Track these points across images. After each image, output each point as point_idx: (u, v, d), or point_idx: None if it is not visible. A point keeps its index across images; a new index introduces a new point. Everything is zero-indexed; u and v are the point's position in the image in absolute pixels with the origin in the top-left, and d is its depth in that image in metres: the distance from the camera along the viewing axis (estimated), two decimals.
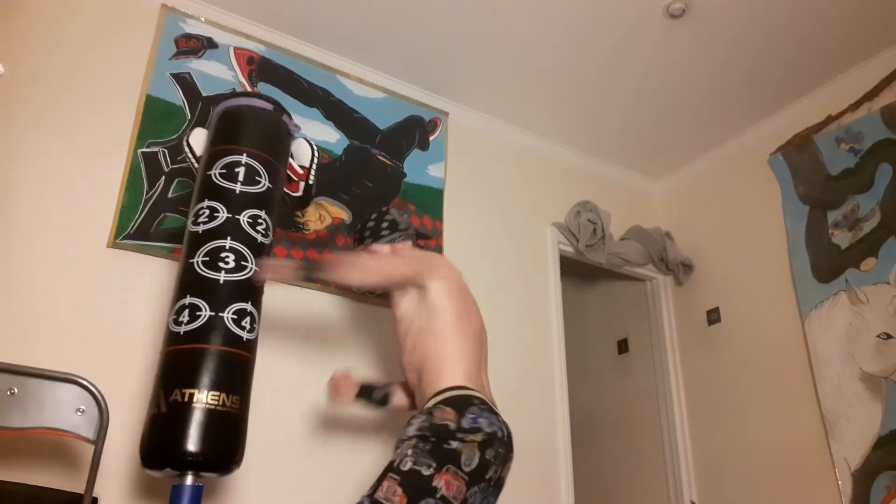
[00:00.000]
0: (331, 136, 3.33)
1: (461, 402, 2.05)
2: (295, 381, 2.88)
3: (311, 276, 2.33)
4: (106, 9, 2.96)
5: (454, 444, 1.95)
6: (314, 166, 2.73)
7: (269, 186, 2.36)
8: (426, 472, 1.90)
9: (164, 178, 2.85)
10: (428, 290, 2.26)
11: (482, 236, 3.68)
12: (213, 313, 2.07)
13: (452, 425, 1.97)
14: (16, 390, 1.80)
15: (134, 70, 2.93)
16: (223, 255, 2.16)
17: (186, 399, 1.94)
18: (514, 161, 4.00)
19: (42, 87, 2.72)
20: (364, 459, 2.90)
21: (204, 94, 3.05)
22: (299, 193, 2.76)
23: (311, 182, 2.73)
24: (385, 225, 2.53)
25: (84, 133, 2.74)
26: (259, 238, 2.27)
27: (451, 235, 3.53)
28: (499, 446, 2.03)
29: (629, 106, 3.84)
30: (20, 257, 2.49)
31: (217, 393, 1.98)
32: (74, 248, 2.60)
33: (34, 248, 2.53)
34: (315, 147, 2.76)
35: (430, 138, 3.68)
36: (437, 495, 1.88)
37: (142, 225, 2.74)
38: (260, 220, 2.29)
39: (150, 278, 2.69)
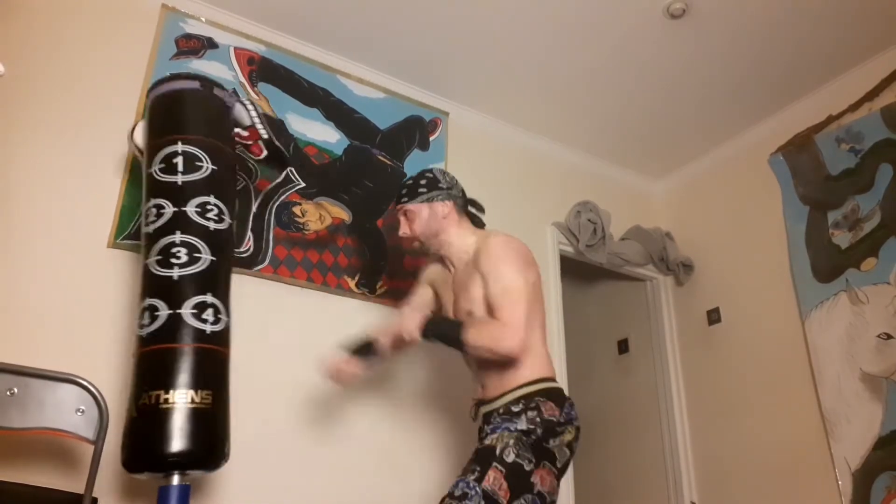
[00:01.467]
0: (331, 136, 3.33)
1: (558, 396, 2.14)
2: (301, 381, 2.88)
3: (438, 340, 2.20)
4: (106, 9, 2.96)
5: (552, 443, 2.02)
6: (257, 121, 2.55)
7: (213, 169, 2.24)
8: (527, 466, 1.94)
9: None
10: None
11: None
12: (170, 311, 2.02)
13: (555, 420, 2.05)
14: (16, 390, 1.80)
15: (134, 70, 2.93)
16: (174, 250, 2.09)
17: (153, 401, 1.90)
18: (514, 161, 4.00)
19: (42, 87, 2.72)
20: (355, 454, 2.91)
21: None
22: (263, 154, 2.61)
23: (265, 137, 2.56)
24: (424, 182, 2.40)
25: (84, 133, 2.74)
26: (212, 225, 2.18)
27: None
28: (579, 438, 2.15)
29: (629, 106, 3.84)
30: (20, 257, 2.49)
31: (185, 391, 1.93)
32: (74, 249, 2.59)
33: (34, 249, 2.52)
34: (250, 103, 2.56)
35: (431, 138, 3.68)
36: (535, 490, 1.93)
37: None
38: (210, 207, 2.20)
39: None
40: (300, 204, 3.14)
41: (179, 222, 2.13)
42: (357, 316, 3.11)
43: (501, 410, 2.09)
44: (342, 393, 2.93)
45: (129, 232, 2.70)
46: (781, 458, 3.44)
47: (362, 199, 3.32)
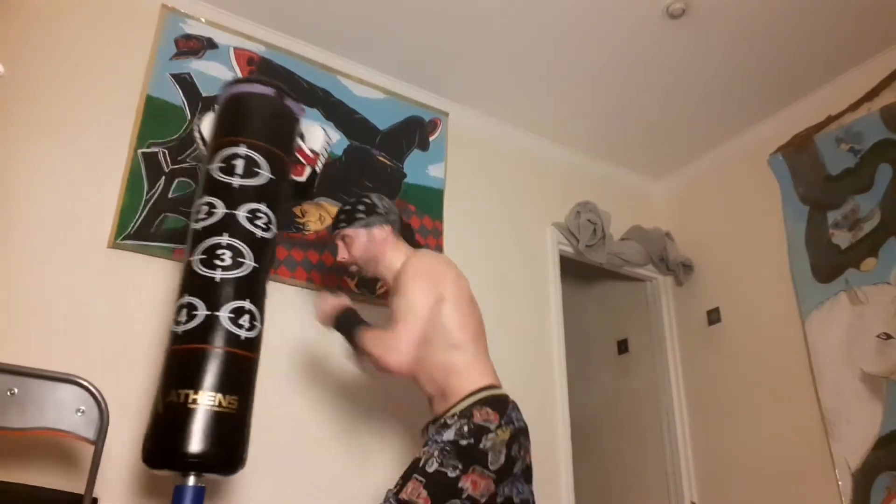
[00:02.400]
0: (331, 137, 3.32)
1: (499, 402, 2.14)
2: (301, 381, 2.89)
3: (342, 331, 2.30)
4: (106, 9, 2.96)
5: (484, 444, 2.01)
6: (325, 153, 2.63)
7: (270, 178, 2.27)
8: (452, 473, 1.95)
9: (164, 178, 2.85)
10: (440, 310, 2.23)
11: (482, 236, 3.68)
12: (209, 312, 2.03)
13: (490, 424, 2.05)
14: (16, 391, 1.80)
15: (134, 70, 2.93)
16: (219, 252, 2.11)
17: (182, 399, 1.92)
18: (514, 161, 4.00)
19: (42, 87, 2.72)
20: (370, 463, 2.91)
21: (204, 94, 3.05)
22: (303, 179, 2.62)
23: (317, 169, 2.61)
24: (362, 208, 2.45)
25: (84, 133, 2.74)
26: (259, 233, 2.20)
27: (451, 236, 3.53)
28: (523, 439, 2.14)
29: (629, 106, 3.84)
30: (20, 257, 2.49)
31: (213, 394, 1.94)
32: (74, 249, 2.60)
33: (34, 249, 2.53)
34: (328, 135, 2.67)
35: (430, 138, 3.68)
36: (464, 496, 1.94)
37: (142, 225, 2.74)
38: (260, 214, 2.22)
39: (151, 279, 2.69)
40: (300, 204, 3.14)
41: (228, 225, 2.16)
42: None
43: (438, 424, 2.13)
44: (345, 393, 2.94)
45: (130, 232, 2.70)
46: (781, 458, 3.44)
47: None
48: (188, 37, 3.10)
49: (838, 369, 3.26)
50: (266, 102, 2.41)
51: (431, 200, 3.54)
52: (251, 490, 2.60)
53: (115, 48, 2.92)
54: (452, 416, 2.10)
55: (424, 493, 1.91)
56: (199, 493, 1.95)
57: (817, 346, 3.37)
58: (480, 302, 3.35)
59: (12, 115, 2.62)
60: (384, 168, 3.46)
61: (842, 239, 3.39)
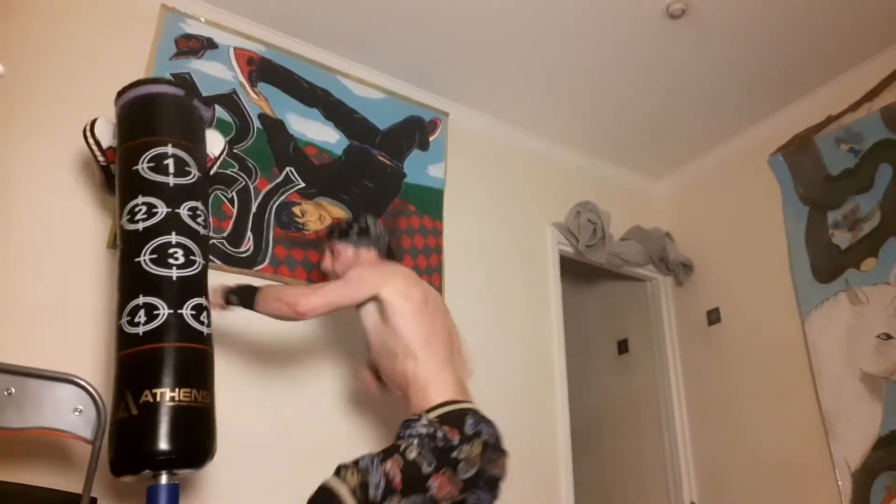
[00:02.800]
0: (331, 137, 3.33)
1: (457, 417, 2.13)
2: (305, 387, 2.90)
3: (238, 303, 2.36)
4: (106, 9, 2.96)
5: (455, 455, 2.03)
6: (221, 159, 2.62)
7: (198, 175, 2.27)
8: (426, 469, 1.98)
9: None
10: (390, 314, 2.29)
11: (482, 236, 3.68)
12: (171, 311, 2.02)
13: (455, 442, 2.05)
14: (13, 390, 1.80)
15: (134, 70, 2.92)
16: (171, 251, 2.09)
17: (158, 399, 1.89)
18: (514, 161, 4.00)
19: (42, 87, 2.72)
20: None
21: (204, 94, 3.05)
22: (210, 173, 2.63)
23: (211, 172, 2.60)
24: (356, 229, 2.57)
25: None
26: (200, 230, 2.20)
27: (450, 236, 3.53)
28: (491, 453, 2.13)
29: (629, 106, 3.84)
30: (20, 257, 2.49)
31: (188, 389, 1.94)
32: (74, 249, 2.60)
33: (34, 249, 2.53)
34: (224, 140, 2.67)
35: (430, 138, 3.68)
36: (428, 494, 1.98)
37: None
38: (199, 212, 2.21)
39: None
40: (300, 204, 3.14)
41: (173, 223, 2.13)
42: (357, 317, 3.11)
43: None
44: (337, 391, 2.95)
45: None
46: (781, 459, 3.44)
47: (362, 200, 3.32)
48: (188, 37, 3.10)
49: (838, 369, 3.26)
50: (180, 103, 2.40)
51: (431, 200, 3.54)
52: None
53: (115, 48, 2.92)
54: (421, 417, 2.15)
55: (399, 476, 1.96)
56: (174, 490, 1.94)
57: (817, 347, 3.37)
58: (481, 301, 3.38)
59: (12, 115, 2.62)
60: (384, 168, 3.46)
61: (842, 239, 3.39)
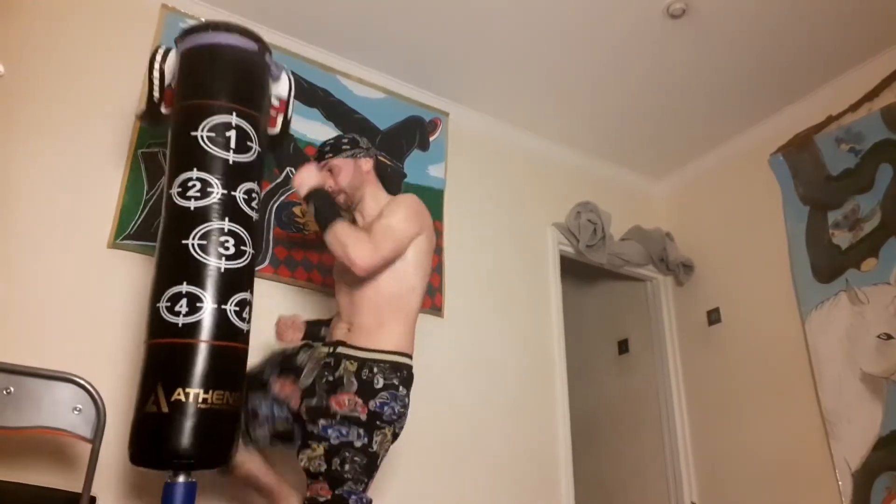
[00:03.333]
0: (331, 136, 3.32)
1: (407, 375, 2.21)
2: None
3: (314, 214, 2.26)
4: (106, 9, 2.96)
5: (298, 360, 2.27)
6: (292, 97, 2.40)
7: (258, 151, 2.10)
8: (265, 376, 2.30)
9: (164, 178, 2.84)
10: (416, 253, 2.29)
11: (482, 237, 3.68)
12: (215, 306, 1.89)
13: (402, 398, 2.17)
14: (12, 389, 1.80)
15: (134, 70, 2.93)
16: (223, 239, 1.94)
17: (192, 399, 1.81)
18: (514, 161, 4.00)
19: (42, 87, 2.72)
20: None
21: None
22: (276, 130, 2.41)
23: (288, 117, 2.42)
24: (346, 141, 2.49)
25: (84, 133, 2.75)
26: (253, 216, 2.04)
27: (451, 236, 3.53)
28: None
29: (630, 106, 3.84)
30: (20, 257, 2.50)
31: (222, 392, 1.85)
32: (74, 249, 2.60)
33: (34, 249, 2.53)
34: (290, 75, 2.43)
35: (431, 138, 3.68)
36: (271, 394, 2.26)
37: (142, 225, 2.74)
38: (254, 195, 2.05)
39: (150, 279, 2.67)
40: (300, 204, 3.14)
41: (228, 208, 1.98)
42: None
43: (376, 369, 2.14)
44: None
45: (129, 232, 2.71)
46: (781, 459, 3.43)
47: None
48: None
49: (838, 369, 3.26)
50: (251, 60, 2.18)
51: (431, 200, 3.53)
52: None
53: (116, 48, 2.92)
54: (393, 368, 2.17)
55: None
56: (192, 488, 1.90)
57: (817, 347, 3.36)
58: (481, 302, 3.38)
59: (12, 115, 2.62)
60: (384, 168, 3.46)
61: (842, 239, 3.39)
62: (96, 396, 1.88)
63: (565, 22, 3.24)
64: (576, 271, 4.36)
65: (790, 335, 3.50)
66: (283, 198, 3.10)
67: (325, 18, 3.25)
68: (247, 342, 2.01)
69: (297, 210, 3.12)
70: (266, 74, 2.25)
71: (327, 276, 3.09)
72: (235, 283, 1.95)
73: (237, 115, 2.05)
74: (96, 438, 1.86)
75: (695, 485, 3.80)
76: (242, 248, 1.98)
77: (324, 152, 2.47)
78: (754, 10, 3.13)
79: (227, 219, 1.97)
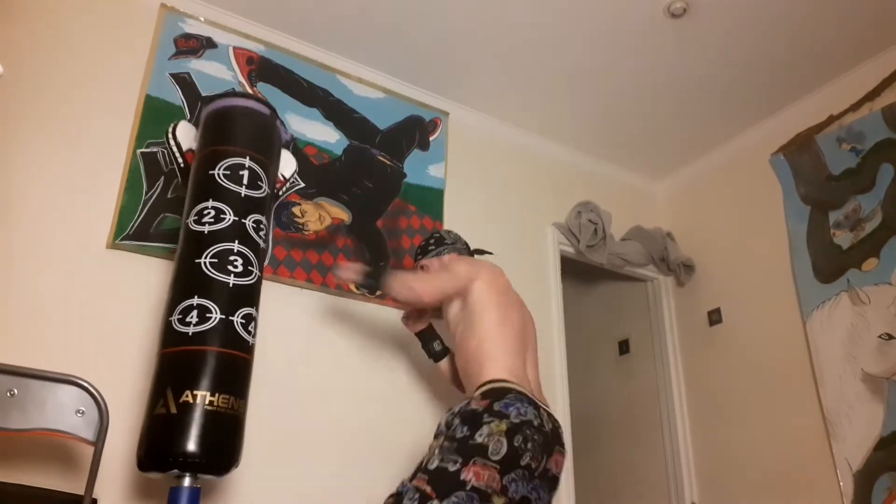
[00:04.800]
0: (331, 136, 3.32)
1: (497, 393, 2.15)
2: (305, 387, 2.88)
3: (372, 286, 2.47)
4: (105, 9, 2.95)
5: (479, 439, 2.02)
6: (292, 179, 2.79)
7: (267, 192, 2.38)
8: (452, 468, 1.97)
9: (163, 178, 2.84)
10: (470, 292, 2.43)
11: (482, 236, 3.66)
12: (223, 316, 2.08)
13: (480, 409, 2.08)
14: (16, 391, 1.79)
15: (133, 70, 2.92)
16: (231, 258, 2.17)
17: (198, 401, 1.95)
18: (514, 161, 3.99)
19: (41, 87, 2.71)
20: (361, 466, 2.89)
21: (203, 94, 3.04)
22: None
23: (280, 193, 2.78)
24: (432, 241, 2.70)
25: (83, 133, 2.73)
26: (261, 244, 2.29)
27: None
28: (533, 434, 2.08)
29: (630, 106, 3.83)
30: (20, 258, 2.48)
31: (227, 396, 2.00)
32: (74, 249, 2.59)
33: (34, 249, 2.52)
34: (296, 163, 2.82)
35: (431, 138, 3.67)
36: (468, 487, 1.94)
37: (141, 225, 2.73)
38: (262, 226, 2.31)
39: (150, 279, 2.68)
40: (300, 204, 3.13)
41: (238, 232, 2.22)
42: (357, 317, 3.11)
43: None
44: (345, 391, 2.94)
45: (129, 232, 2.69)
46: (782, 459, 3.43)
47: (362, 200, 3.31)
48: (187, 36, 3.09)
49: (840, 370, 3.25)
50: (264, 121, 2.52)
51: (431, 200, 3.53)
52: (243, 489, 2.59)
53: (115, 48, 2.91)
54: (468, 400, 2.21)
55: (428, 488, 1.95)
56: (196, 494, 1.97)
57: (818, 347, 3.36)
58: None
59: (12, 115, 2.61)
60: (384, 168, 3.45)
61: (843, 239, 3.38)
62: (99, 399, 1.87)
63: (566, 21, 3.23)
64: (576, 271, 4.36)
65: (791, 335, 3.50)
66: (282, 198, 3.09)
67: (325, 18, 3.24)
68: (251, 354, 2.17)
69: (296, 210, 3.11)
70: (276, 135, 2.58)
71: (327, 275, 3.09)
72: (243, 298, 2.17)
73: (250, 160, 2.35)
74: (99, 441, 1.86)
75: (695, 485, 3.80)
76: (250, 268, 2.21)
77: (416, 255, 2.75)
78: (755, 9, 3.13)
79: (237, 241, 2.21)
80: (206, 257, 2.15)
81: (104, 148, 2.76)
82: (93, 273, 2.59)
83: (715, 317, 3.95)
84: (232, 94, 2.60)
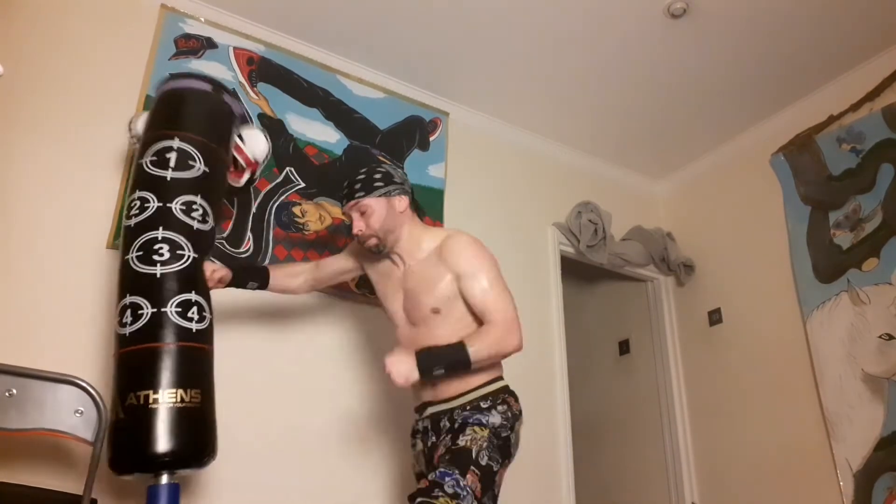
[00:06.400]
0: (331, 137, 3.32)
1: (513, 392, 2.20)
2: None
3: (441, 375, 2.09)
4: (105, 9, 2.95)
5: (513, 438, 2.10)
6: (264, 163, 2.62)
7: (204, 170, 2.20)
8: (495, 468, 1.99)
9: None
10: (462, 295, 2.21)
11: (483, 237, 3.57)
12: (154, 310, 1.97)
13: (517, 412, 2.15)
14: (14, 391, 1.79)
15: (133, 70, 2.92)
16: (156, 246, 2.03)
17: (142, 401, 1.86)
18: (514, 161, 3.99)
19: (41, 87, 2.71)
20: (346, 458, 2.90)
21: None
22: (240, 183, 2.62)
23: (255, 177, 2.60)
24: (378, 176, 2.29)
25: (83, 133, 2.74)
26: (196, 224, 2.12)
27: None
28: None
29: (630, 106, 3.83)
30: (19, 258, 2.49)
31: (173, 390, 1.90)
32: (73, 250, 2.59)
33: (33, 249, 2.52)
34: (269, 144, 2.64)
35: (431, 138, 3.67)
36: (496, 490, 2.00)
37: None
38: (195, 206, 2.14)
39: None
40: (300, 204, 3.13)
41: (163, 218, 2.08)
42: (357, 317, 3.11)
43: (468, 408, 2.10)
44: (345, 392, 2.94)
45: None
46: (783, 459, 3.43)
47: None
48: (188, 36, 3.09)
49: (840, 370, 3.25)
50: (201, 97, 2.37)
51: (432, 200, 3.53)
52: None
53: (115, 48, 2.92)
54: (484, 398, 2.12)
55: (479, 486, 1.93)
56: (174, 489, 1.92)
57: (819, 347, 3.36)
58: None
59: (12, 115, 2.61)
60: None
61: (843, 239, 3.38)
62: (98, 399, 1.87)
63: (565, 21, 3.23)
64: (576, 271, 4.36)
65: (791, 335, 3.50)
66: (283, 198, 3.09)
67: (325, 18, 3.24)
68: (199, 341, 2.03)
69: (296, 210, 3.12)
70: (218, 109, 2.41)
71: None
72: (174, 286, 2.02)
73: (179, 140, 2.20)
74: (97, 441, 1.86)
75: (695, 485, 3.80)
76: (179, 252, 2.06)
77: (355, 190, 2.28)
78: (755, 9, 3.13)
79: (161, 227, 2.06)
80: (132, 252, 2.03)
81: (104, 148, 2.76)
82: (93, 273, 2.60)
83: (715, 317, 3.95)
84: (171, 76, 2.45)
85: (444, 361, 2.05)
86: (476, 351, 2.05)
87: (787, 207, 3.68)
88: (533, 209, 3.93)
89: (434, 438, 2.15)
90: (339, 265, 2.57)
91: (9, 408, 1.78)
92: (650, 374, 4.13)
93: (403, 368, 2.02)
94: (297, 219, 3.11)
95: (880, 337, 3.14)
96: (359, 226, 2.27)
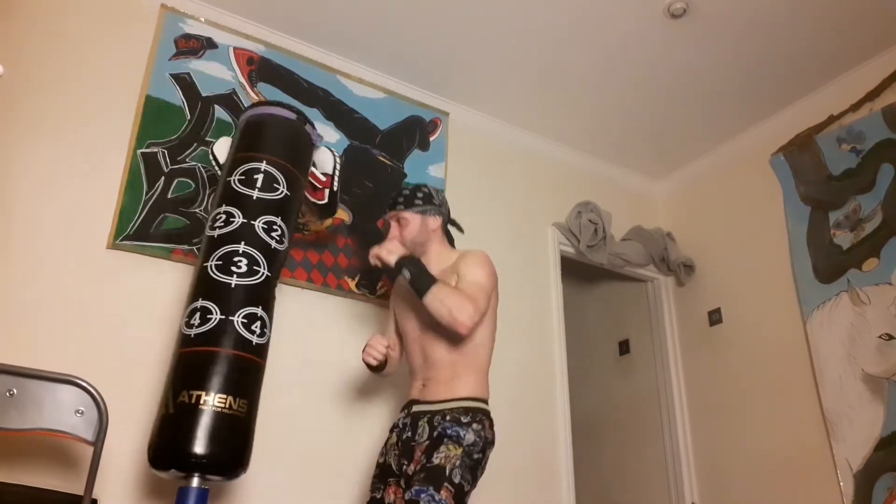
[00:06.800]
0: (331, 137, 3.32)
1: (490, 419, 2.27)
2: (307, 389, 2.89)
3: (410, 277, 2.24)
4: (105, 9, 2.95)
5: (480, 467, 2.18)
6: (337, 173, 2.71)
7: (286, 194, 2.37)
8: (466, 488, 2.09)
9: (163, 178, 2.84)
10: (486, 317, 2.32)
11: (483, 237, 3.65)
12: (223, 317, 2.08)
13: (490, 438, 2.22)
14: (15, 391, 1.79)
15: (133, 70, 2.92)
16: (236, 259, 2.17)
17: (193, 400, 1.96)
18: (514, 161, 3.99)
19: (41, 87, 2.71)
20: (361, 455, 2.90)
21: (203, 94, 3.04)
22: (324, 201, 2.74)
23: (335, 189, 2.72)
24: (420, 195, 2.52)
25: (83, 133, 2.74)
26: (273, 244, 2.27)
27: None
28: None
29: (630, 106, 3.83)
30: (20, 258, 2.49)
31: (224, 396, 1.99)
32: (74, 249, 2.59)
33: (34, 249, 2.52)
34: (337, 155, 2.73)
35: (431, 138, 3.67)
36: None
37: (141, 225, 2.73)
38: (275, 227, 2.30)
39: (150, 279, 2.68)
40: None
41: (245, 234, 2.23)
42: (357, 317, 3.11)
43: (448, 417, 2.19)
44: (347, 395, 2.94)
45: (129, 232, 2.70)
46: (783, 459, 3.43)
47: (362, 200, 3.32)
48: (188, 36, 3.09)
49: (840, 370, 3.25)
50: (288, 125, 2.53)
51: None
52: (251, 496, 2.59)
53: (115, 48, 2.92)
54: (465, 411, 2.20)
55: (453, 502, 2.02)
56: (203, 494, 1.96)
57: (819, 347, 3.36)
58: None
59: (12, 115, 2.61)
60: (384, 168, 3.45)
61: (843, 239, 3.38)
62: (98, 399, 1.87)
63: (565, 21, 3.23)
64: (576, 272, 4.35)
65: (791, 335, 3.50)
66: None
67: (326, 18, 3.24)
68: (256, 355, 2.14)
69: None
70: (300, 137, 2.57)
71: (327, 275, 3.09)
72: (245, 298, 2.15)
73: (266, 163, 2.37)
74: (98, 441, 1.86)
75: (695, 485, 3.79)
76: (256, 268, 2.20)
77: (397, 202, 2.52)
78: (755, 9, 3.12)
79: (243, 242, 2.21)
80: (212, 260, 2.17)
81: (104, 148, 2.77)
82: (93, 273, 2.60)
83: (715, 317, 3.95)
84: (260, 103, 2.64)
85: (416, 272, 2.24)
86: (438, 291, 2.20)
87: (787, 207, 3.68)
88: (533, 209, 3.93)
89: (409, 433, 2.25)
90: (393, 319, 2.65)
91: (9, 408, 1.78)
92: (650, 374, 4.12)
93: (385, 250, 2.31)
94: (297, 219, 3.10)
95: (880, 337, 3.14)
96: (393, 233, 2.50)
